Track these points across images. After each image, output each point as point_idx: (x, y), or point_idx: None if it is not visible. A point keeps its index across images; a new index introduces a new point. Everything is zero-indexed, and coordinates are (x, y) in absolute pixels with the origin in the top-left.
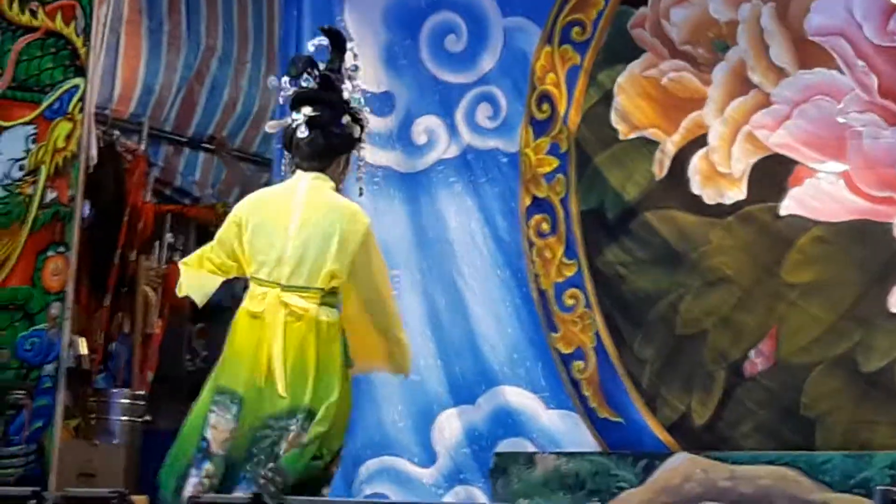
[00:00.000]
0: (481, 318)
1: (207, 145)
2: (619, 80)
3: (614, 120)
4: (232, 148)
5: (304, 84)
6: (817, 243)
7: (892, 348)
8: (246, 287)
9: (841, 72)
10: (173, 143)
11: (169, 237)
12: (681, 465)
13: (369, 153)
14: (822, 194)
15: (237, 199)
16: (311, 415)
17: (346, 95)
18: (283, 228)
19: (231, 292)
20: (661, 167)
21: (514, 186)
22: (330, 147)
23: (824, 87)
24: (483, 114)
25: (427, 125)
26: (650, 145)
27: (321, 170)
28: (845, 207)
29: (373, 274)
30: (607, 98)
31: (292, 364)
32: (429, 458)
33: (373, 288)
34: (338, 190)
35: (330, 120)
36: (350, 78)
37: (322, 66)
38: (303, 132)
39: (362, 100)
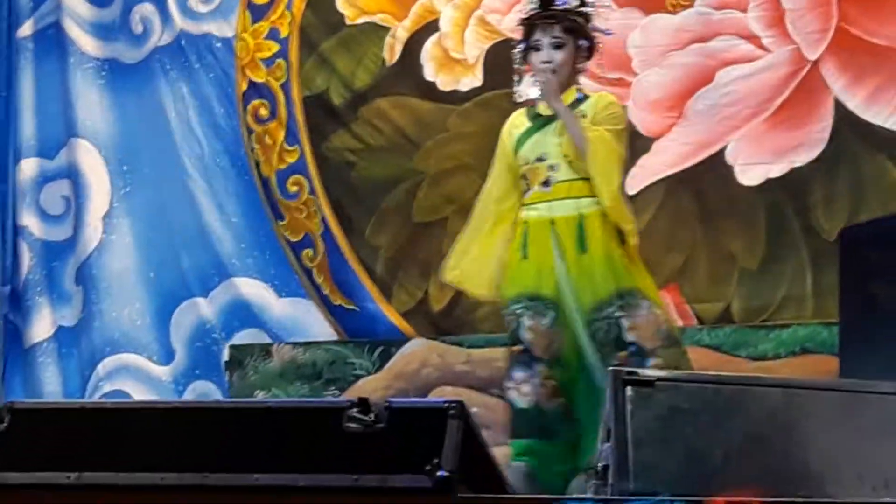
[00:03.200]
0: (206, 209)
1: None
2: None
3: (340, 5)
4: None
5: None
6: None
7: None
8: None
9: None
10: None
11: None
12: (417, 351)
13: (92, 47)
14: None
15: None
16: None
17: None
18: None
19: None
20: (392, 53)
21: (230, 72)
22: None
23: None
24: None
25: (143, 13)
26: (380, 31)
27: None
28: None
29: None
30: None
31: None
32: (167, 354)
33: None
34: None
35: None
36: None
37: None
38: None
39: None
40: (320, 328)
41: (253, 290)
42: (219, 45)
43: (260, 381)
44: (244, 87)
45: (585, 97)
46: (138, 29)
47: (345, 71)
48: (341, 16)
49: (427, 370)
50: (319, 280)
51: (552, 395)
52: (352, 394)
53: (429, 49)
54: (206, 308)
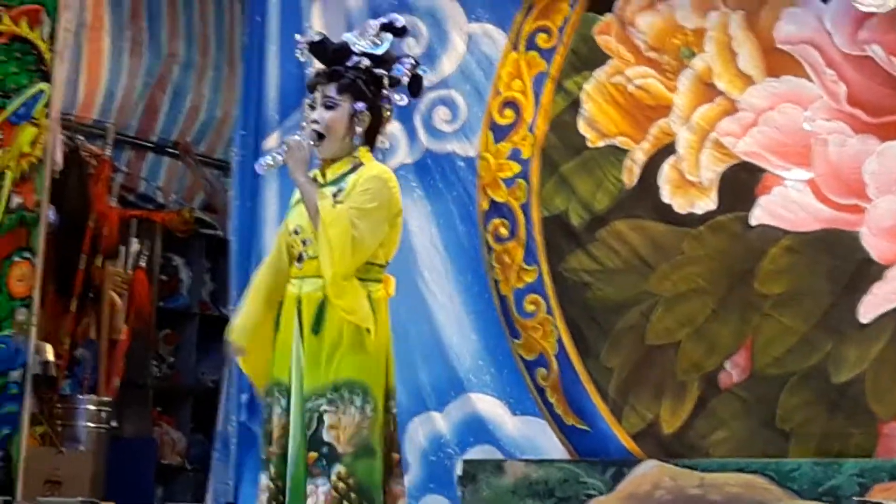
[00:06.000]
0: (444, 324)
1: (172, 150)
2: (586, 86)
3: (582, 127)
4: (196, 153)
5: None
6: (788, 253)
7: (861, 359)
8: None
9: (809, 80)
10: (136, 148)
11: (135, 243)
12: (650, 473)
13: None
14: (790, 203)
15: (201, 205)
16: None
17: None
18: None
19: (198, 299)
20: (630, 175)
21: (471, 191)
22: None
23: (791, 94)
24: (440, 117)
25: (388, 130)
26: (619, 153)
27: None
28: (813, 216)
29: None
30: (575, 105)
31: None
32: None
33: None
34: None
35: None
36: None
37: None
38: None
39: None
40: (552, 447)
41: (488, 406)
42: (461, 164)
43: (492, 497)
44: (485, 206)
45: (360, 166)
46: (383, 145)
47: (585, 193)
48: (583, 138)
49: (660, 492)
50: (552, 399)
51: (272, 499)
52: None
53: (665, 172)
54: (441, 422)
